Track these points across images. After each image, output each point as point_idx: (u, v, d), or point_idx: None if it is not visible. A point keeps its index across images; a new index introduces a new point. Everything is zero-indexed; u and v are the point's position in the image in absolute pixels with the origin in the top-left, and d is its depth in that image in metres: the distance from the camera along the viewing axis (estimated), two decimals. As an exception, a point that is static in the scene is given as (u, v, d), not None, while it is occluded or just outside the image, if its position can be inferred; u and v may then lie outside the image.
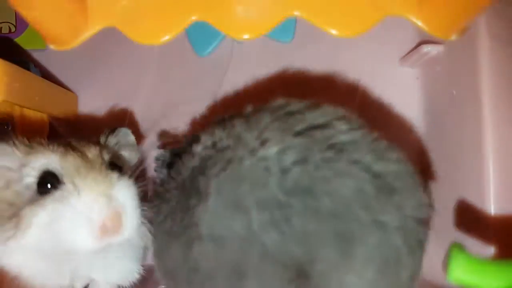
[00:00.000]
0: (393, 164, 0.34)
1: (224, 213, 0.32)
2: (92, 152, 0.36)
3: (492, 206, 0.39)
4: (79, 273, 0.38)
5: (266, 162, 0.32)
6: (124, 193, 0.34)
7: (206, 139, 0.37)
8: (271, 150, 0.33)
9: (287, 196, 0.31)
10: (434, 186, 0.49)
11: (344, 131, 0.35)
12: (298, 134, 0.34)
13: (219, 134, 0.36)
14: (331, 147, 0.33)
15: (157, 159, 0.43)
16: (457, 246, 0.28)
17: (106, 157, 0.37)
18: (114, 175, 0.35)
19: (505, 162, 0.39)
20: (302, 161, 0.32)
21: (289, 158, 0.32)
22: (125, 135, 0.43)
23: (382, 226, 0.31)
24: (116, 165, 0.38)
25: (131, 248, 0.40)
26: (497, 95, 0.40)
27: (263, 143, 0.33)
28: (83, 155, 0.36)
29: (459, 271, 0.27)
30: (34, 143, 0.37)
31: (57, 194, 0.33)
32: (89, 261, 0.37)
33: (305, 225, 0.31)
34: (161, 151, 0.43)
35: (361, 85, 0.53)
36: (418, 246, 0.33)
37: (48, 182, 0.34)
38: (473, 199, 0.41)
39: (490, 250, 0.38)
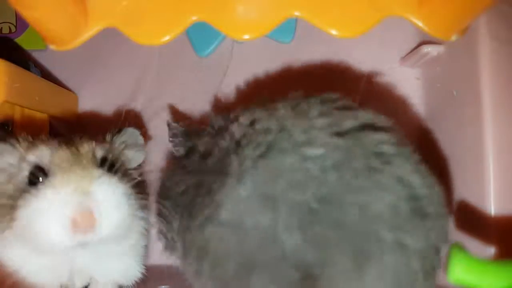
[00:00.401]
0: (430, 188, 0.33)
1: (252, 204, 0.32)
2: (84, 148, 0.36)
3: (492, 207, 0.39)
4: (77, 271, 0.38)
5: (308, 163, 0.31)
6: (104, 190, 0.34)
7: (244, 117, 0.36)
8: (316, 151, 0.32)
9: (319, 204, 0.30)
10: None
11: (393, 142, 0.34)
12: (346, 133, 0.33)
13: (259, 113, 0.36)
14: (378, 156, 0.32)
15: (170, 129, 0.43)
16: (457, 247, 0.28)
17: (99, 153, 0.37)
18: (97, 171, 0.34)
19: (505, 162, 0.39)
20: (342, 165, 0.31)
21: (331, 160, 0.31)
22: (133, 135, 0.43)
23: (403, 248, 0.30)
24: (111, 163, 0.37)
25: (132, 247, 0.40)
26: (497, 95, 0.40)
27: (309, 141, 0.32)
28: (74, 151, 0.36)
29: (459, 271, 0.27)
30: (36, 140, 0.38)
31: (40, 188, 0.33)
32: (87, 259, 0.37)
33: (327, 233, 0.30)
34: (174, 124, 0.43)
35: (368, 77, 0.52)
36: (432, 273, 0.32)
37: (38, 176, 0.34)
38: (473, 199, 0.41)
39: (490, 250, 0.38)
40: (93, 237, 0.33)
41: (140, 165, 0.43)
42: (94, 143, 0.37)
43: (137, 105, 0.55)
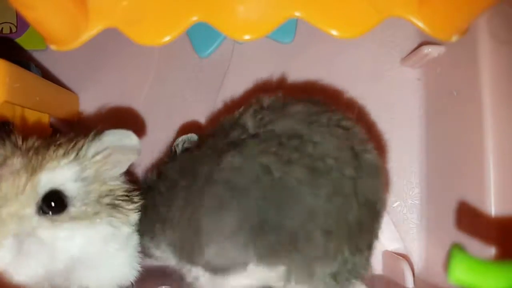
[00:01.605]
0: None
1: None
2: (32, 180, 0.35)
3: (493, 207, 0.39)
4: (66, 279, 0.37)
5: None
6: (20, 246, 0.33)
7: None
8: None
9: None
10: (435, 187, 0.50)
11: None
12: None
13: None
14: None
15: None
16: (458, 247, 0.28)
17: (44, 188, 0.35)
18: (23, 223, 0.34)
19: (505, 163, 0.39)
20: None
21: None
22: (123, 136, 0.39)
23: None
24: (57, 197, 0.35)
25: (125, 251, 0.40)
26: (498, 96, 0.40)
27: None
28: (23, 183, 0.34)
29: (460, 271, 0.27)
30: (22, 145, 0.38)
31: None
32: (76, 267, 0.37)
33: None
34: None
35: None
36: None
37: None
38: (473, 200, 0.41)
39: (491, 251, 0.38)
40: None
41: (127, 170, 0.41)
42: (44, 174, 0.35)
43: (138, 106, 0.56)
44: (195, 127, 0.54)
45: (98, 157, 0.38)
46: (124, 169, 0.40)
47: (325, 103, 0.42)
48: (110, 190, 0.38)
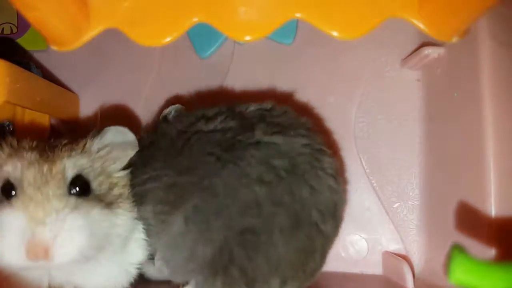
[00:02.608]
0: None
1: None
2: (56, 166, 0.36)
3: (493, 208, 0.39)
4: (57, 280, 0.38)
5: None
6: (63, 221, 0.33)
7: None
8: None
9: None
10: (435, 189, 0.50)
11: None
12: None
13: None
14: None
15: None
16: (458, 248, 0.28)
17: (71, 172, 0.36)
18: (60, 199, 0.34)
19: (506, 164, 0.39)
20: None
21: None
22: (120, 133, 0.41)
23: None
24: (84, 182, 0.37)
25: (121, 255, 0.40)
26: (498, 97, 0.40)
27: None
28: (46, 169, 0.35)
29: (460, 272, 0.27)
30: (20, 146, 0.38)
31: (10, 201, 0.34)
32: (68, 269, 0.37)
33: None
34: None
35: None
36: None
37: (8, 190, 0.35)
38: (474, 201, 0.41)
39: (491, 252, 0.38)
40: (48, 264, 0.33)
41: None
42: (66, 160, 0.36)
43: (138, 106, 0.56)
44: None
45: (101, 153, 0.40)
46: (124, 163, 0.41)
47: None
48: (116, 183, 0.40)
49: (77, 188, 0.36)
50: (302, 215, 0.36)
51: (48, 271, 0.37)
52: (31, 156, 0.36)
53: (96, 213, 0.36)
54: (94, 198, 0.37)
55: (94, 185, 0.38)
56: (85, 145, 0.39)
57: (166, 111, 0.47)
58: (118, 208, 0.38)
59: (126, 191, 0.40)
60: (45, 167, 0.35)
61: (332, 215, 0.38)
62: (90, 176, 0.38)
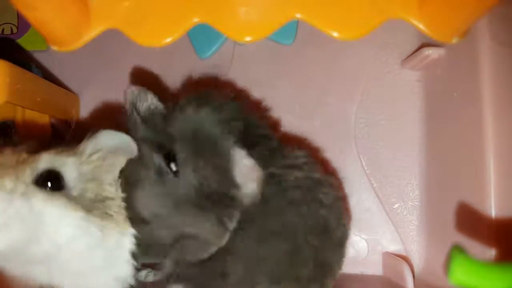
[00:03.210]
0: None
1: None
2: (34, 158, 0.35)
3: (493, 209, 0.39)
4: (45, 279, 0.36)
5: None
6: (8, 203, 0.32)
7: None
8: None
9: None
10: (435, 189, 0.50)
11: None
12: None
13: None
14: None
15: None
16: (458, 248, 0.28)
17: (43, 166, 0.35)
18: (16, 186, 0.33)
19: (506, 164, 0.39)
20: None
21: None
22: (116, 138, 0.38)
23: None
24: (54, 177, 0.35)
25: (112, 267, 0.38)
26: (498, 97, 0.40)
27: None
28: (24, 158, 0.35)
29: (460, 273, 0.27)
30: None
31: None
32: (57, 264, 0.36)
33: None
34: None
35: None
36: None
37: None
38: (474, 201, 0.41)
39: (491, 252, 0.38)
40: None
41: None
42: (44, 155, 0.35)
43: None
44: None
45: (94, 156, 0.38)
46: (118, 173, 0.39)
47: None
48: (106, 197, 0.37)
49: (49, 182, 0.34)
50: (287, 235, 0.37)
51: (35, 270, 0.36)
52: (19, 149, 0.36)
53: (58, 211, 0.34)
54: (66, 197, 0.35)
55: (75, 188, 0.36)
56: (78, 146, 0.38)
57: (130, 96, 0.40)
58: (100, 222, 0.36)
59: (116, 212, 0.37)
60: (24, 155, 0.35)
61: (320, 234, 0.39)
62: (70, 177, 0.36)
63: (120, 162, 0.39)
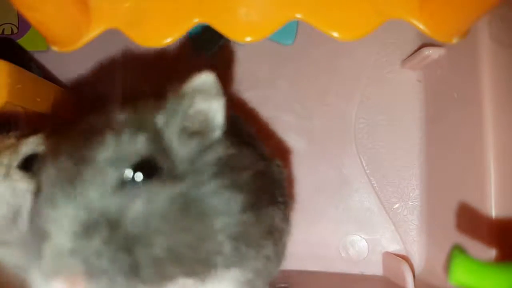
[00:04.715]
0: None
1: None
2: (21, 143, 0.37)
3: (493, 209, 0.39)
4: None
5: None
6: None
7: None
8: None
9: None
10: (436, 189, 0.50)
11: None
12: None
13: None
14: None
15: None
16: (459, 249, 0.28)
17: (26, 150, 0.37)
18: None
19: (506, 165, 0.39)
20: None
21: None
22: None
23: None
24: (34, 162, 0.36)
25: None
26: (498, 97, 0.40)
27: None
28: (13, 143, 0.37)
29: (461, 273, 0.27)
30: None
31: None
32: None
33: None
34: None
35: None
36: None
37: None
38: (474, 202, 0.41)
39: (491, 252, 0.38)
40: None
41: None
42: (30, 139, 0.37)
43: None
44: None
45: None
46: None
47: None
48: None
49: (33, 165, 0.36)
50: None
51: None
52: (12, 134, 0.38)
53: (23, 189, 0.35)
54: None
55: None
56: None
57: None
58: None
59: None
60: (13, 140, 0.37)
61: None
62: None
63: None
